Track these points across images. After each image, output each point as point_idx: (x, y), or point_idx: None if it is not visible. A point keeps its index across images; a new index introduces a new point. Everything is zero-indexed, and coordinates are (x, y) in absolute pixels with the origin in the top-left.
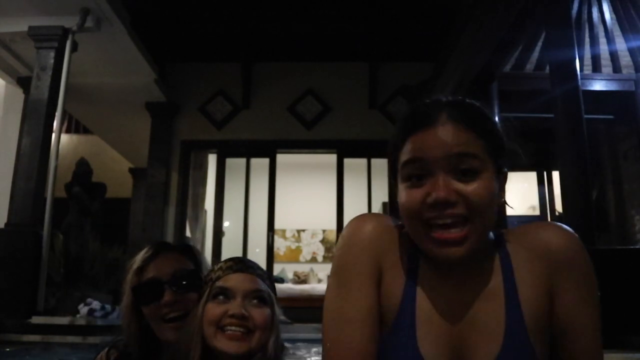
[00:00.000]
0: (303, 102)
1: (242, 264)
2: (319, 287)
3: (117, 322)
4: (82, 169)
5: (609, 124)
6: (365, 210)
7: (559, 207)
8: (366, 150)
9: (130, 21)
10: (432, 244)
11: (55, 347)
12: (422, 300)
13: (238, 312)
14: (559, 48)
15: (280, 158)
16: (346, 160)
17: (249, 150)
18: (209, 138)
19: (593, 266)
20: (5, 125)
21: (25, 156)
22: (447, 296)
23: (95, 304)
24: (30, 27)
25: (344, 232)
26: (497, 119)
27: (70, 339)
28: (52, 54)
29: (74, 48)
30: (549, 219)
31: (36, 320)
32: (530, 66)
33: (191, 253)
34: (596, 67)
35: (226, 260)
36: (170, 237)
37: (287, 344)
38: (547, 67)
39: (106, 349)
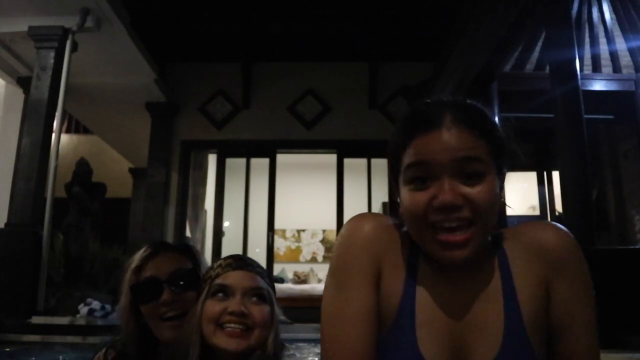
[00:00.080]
0: (303, 102)
1: (241, 261)
2: (319, 287)
3: (117, 322)
4: (82, 169)
5: (609, 124)
6: (365, 210)
7: (559, 207)
8: (366, 150)
9: (130, 21)
10: (437, 247)
11: (55, 347)
12: (421, 300)
13: (237, 309)
14: (559, 48)
15: (280, 158)
16: (346, 160)
17: (249, 150)
18: (209, 138)
19: (587, 265)
20: (5, 125)
21: (25, 156)
22: (446, 296)
23: (95, 304)
24: (30, 27)
25: (342, 231)
26: (497, 119)
27: (70, 339)
28: (52, 54)
29: (74, 48)
30: (549, 219)
31: (36, 320)
32: (530, 66)
33: (190, 252)
34: (596, 67)
35: (225, 258)
36: (170, 237)
37: (288, 345)
38: (547, 67)
39: (104, 350)
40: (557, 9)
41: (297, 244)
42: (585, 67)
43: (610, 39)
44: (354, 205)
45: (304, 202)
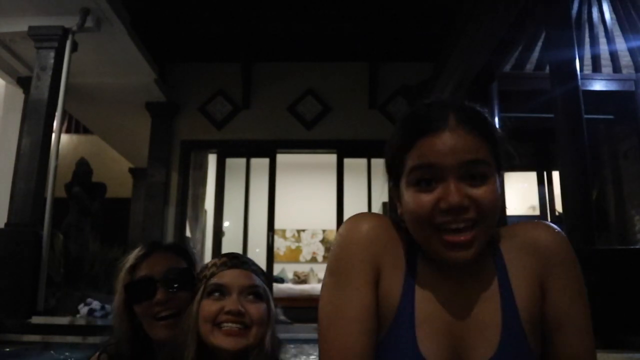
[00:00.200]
0: (303, 102)
1: (236, 259)
2: (319, 287)
3: None
4: (82, 169)
5: (609, 124)
6: (365, 211)
7: (559, 207)
8: (366, 150)
9: (130, 21)
10: (442, 247)
11: (55, 347)
12: (420, 299)
13: (234, 308)
14: (559, 48)
15: (280, 158)
16: (346, 160)
17: (249, 150)
18: (209, 138)
19: (579, 264)
20: (5, 125)
21: (25, 156)
22: (445, 295)
23: (95, 304)
24: (30, 27)
25: (340, 230)
26: (497, 119)
27: (70, 339)
28: (52, 54)
29: (74, 48)
30: (549, 219)
31: (36, 320)
32: (530, 66)
33: (184, 252)
34: (596, 67)
35: (220, 257)
36: (170, 237)
37: (288, 345)
38: (547, 67)
39: (97, 353)
40: (557, 9)
41: (297, 244)
42: (585, 67)
43: (610, 39)
44: (354, 205)
45: (304, 202)
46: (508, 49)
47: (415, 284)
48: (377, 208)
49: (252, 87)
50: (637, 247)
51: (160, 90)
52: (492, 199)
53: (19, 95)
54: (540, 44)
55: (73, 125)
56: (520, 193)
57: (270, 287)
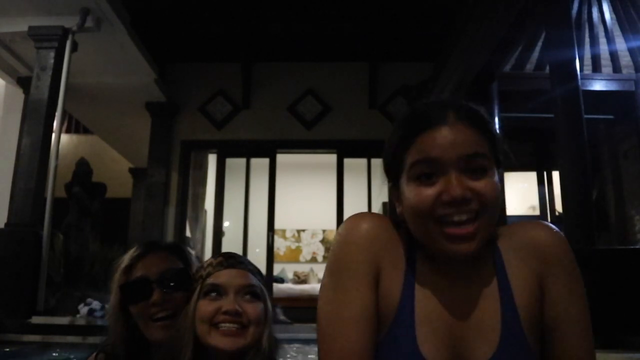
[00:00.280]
0: (303, 102)
1: (232, 259)
2: (318, 287)
3: None
4: (82, 169)
5: (609, 124)
6: (365, 211)
7: (559, 207)
8: (366, 150)
9: (130, 21)
10: (444, 240)
11: (55, 347)
12: (420, 299)
13: (232, 308)
14: (559, 48)
15: (280, 158)
16: (346, 160)
17: (249, 150)
18: (209, 138)
19: (577, 265)
20: (5, 125)
21: (25, 156)
22: (445, 294)
23: (95, 304)
24: (30, 27)
25: (340, 230)
26: (497, 119)
27: (70, 339)
28: (52, 54)
29: (74, 48)
30: (548, 219)
31: (36, 320)
32: (530, 66)
33: (180, 252)
34: (596, 67)
35: (216, 256)
36: (170, 237)
37: (289, 345)
38: (547, 67)
39: (94, 354)
40: (557, 9)
41: (297, 244)
42: (585, 67)
43: (610, 39)
44: (354, 205)
45: (304, 202)
46: (508, 49)
47: (415, 284)
48: (377, 208)
49: (252, 87)
50: (637, 247)
51: (160, 90)
52: (493, 191)
53: (19, 95)
54: (540, 44)
55: (73, 125)
56: (520, 193)
57: (270, 287)
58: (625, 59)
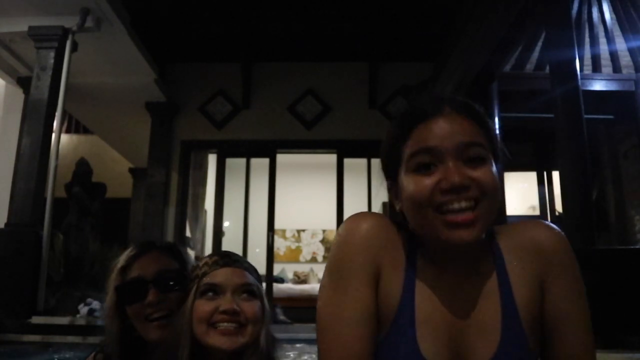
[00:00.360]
0: (303, 102)
1: (227, 258)
2: (318, 287)
3: None
4: (82, 169)
5: (609, 124)
6: (365, 210)
7: (559, 207)
8: (366, 150)
9: (130, 21)
10: (444, 228)
11: (55, 347)
12: (421, 299)
13: (230, 307)
14: (559, 48)
15: (280, 158)
16: (346, 160)
17: (249, 150)
18: (209, 138)
19: (579, 265)
20: (5, 125)
21: (25, 156)
22: (445, 294)
23: (95, 304)
24: (30, 27)
25: (339, 230)
26: (497, 119)
27: (70, 339)
28: (52, 54)
29: (74, 48)
30: (548, 219)
31: (36, 320)
32: (530, 66)
33: (176, 252)
34: (596, 67)
35: (211, 255)
36: (170, 237)
37: (289, 345)
38: (547, 67)
39: (93, 354)
40: (557, 9)
41: (297, 244)
42: (585, 67)
43: (610, 39)
44: (354, 205)
45: (304, 202)
46: (508, 49)
47: (415, 284)
48: (377, 208)
49: (252, 87)
50: (637, 247)
51: (160, 90)
52: (492, 179)
53: (19, 95)
54: (540, 44)
55: (73, 125)
56: (520, 193)
57: (270, 287)
58: (625, 59)
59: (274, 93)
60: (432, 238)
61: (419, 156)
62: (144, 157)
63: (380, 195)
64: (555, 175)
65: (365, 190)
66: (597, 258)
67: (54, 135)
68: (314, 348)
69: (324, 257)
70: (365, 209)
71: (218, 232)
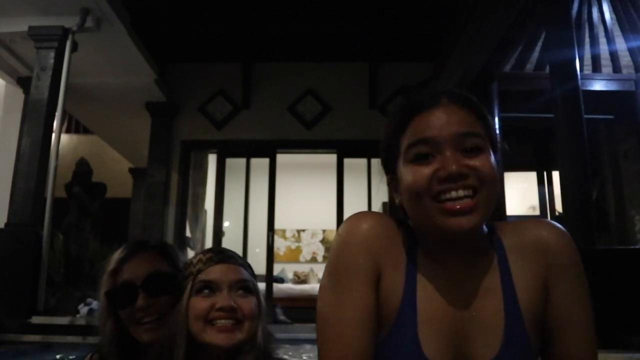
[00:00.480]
0: (303, 102)
1: (222, 254)
2: (318, 287)
3: None
4: (82, 169)
5: (609, 124)
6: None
7: (559, 207)
8: (366, 150)
9: (130, 21)
10: (442, 216)
11: (55, 347)
12: (422, 297)
13: (226, 304)
14: (559, 48)
15: (280, 158)
16: (346, 160)
17: (249, 150)
18: (209, 138)
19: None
20: (5, 125)
21: (25, 156)
22: (447, 294)
23: (95, 304)
24: (30, 27)
25: (340, 230)
26: (497, 119)
27: (70, 339)
28: (52, 54)
29: (74, 48)
30: (548, 219)
31: (36, 320)
32: (530, 66)
33: (167, 252)
34: (596, 67)
35: (205, 252)
36: (170, 237)
37: (289, 345)
38: (547, 67)
39: (90, 354)
40: (557, 9)
41: (297, 244)
42: (585, 67)
43: (610, 39)
44: (354, 205)
45: (304, 202)
46: (508, 49)
47: (417, 283)
48: (377, 208)
49: (252, 87)
50: (637, 247)
51: (160, 90)
52: (491, 168)
53: (19, 95)
54: (540, 44)
55: (73, 125)
56: (520, 193)
57: (270, 287)
58: (625, 59)
59: (274, 93)
60: (431, 229)
61: (417, 147)
62: (144, 157)
63: (380, 195)
64: (555, 175)
65: (365, 190)
66: (597, 258)
67: (54, 135)
68: (314, 348)
69: (324, 257)
70: (365, 209)
71: (218, 232)
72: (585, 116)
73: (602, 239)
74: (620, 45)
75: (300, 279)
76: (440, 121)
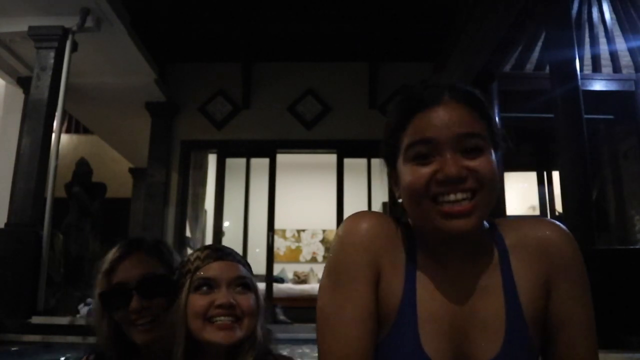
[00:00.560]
0: (303, 102)
1: (220, 251)
2: (318, 287)
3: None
4: (82, 169)
5: (609, 124)
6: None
7: (559, 207)
8: (366, 150)
9: (130, 21)
10: (441, 218)
11: (55, 347)
12: (423, 297)
13: (226, 301)
14: (559, 48)
15: (280, 158)
16: (346, 160)
17: (249, 150)
18: (209, 138)
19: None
20: (5, 125)
21: (25, 156)
22: (447, 293)
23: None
24: (30, 27)
25: (339, 230)
26: (497, 119)
27: (70, 339)
28: (52, 54)
29: (74, 48)
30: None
31: (36, 320)
32: (530, 66)
33: (161, 252)
34: (596, 67)
35: (202, 249)
36: (170, 237)
37: (289, 345)
38: (547, 67)
39: (85, 356)
40: (557, 9)
41: (297, 244)
42: (585, 67)
43: (610, 39)
44: (354, 205)
45: (304, 202)
46: (508, 49)
47: (416, 282)
48: (377, 208)
49: (252, 87)
50: (637, 247)
51: (160, 90)
52: (491, 169)
53: (19, 95)
54: (540, 44)
55: (73, 125)
56: (520, 193)
57: (270, 287)
58: (625, 59)
59: (274, 93)
60: (430, 229)
61: (417, 147)
62: (144, 157)
63: (380, 195)
64: (555, 175)
65: (365, 190)
66: (597, 258)
67: (54, 135)
68: (314, 348)
69: (324, 257)
70: (365, 209)
71: (218, 232)
72: (585, 116)
73: (602, 239)
74: (620, 45)
75: (300, 279)
76: (441, 121)
